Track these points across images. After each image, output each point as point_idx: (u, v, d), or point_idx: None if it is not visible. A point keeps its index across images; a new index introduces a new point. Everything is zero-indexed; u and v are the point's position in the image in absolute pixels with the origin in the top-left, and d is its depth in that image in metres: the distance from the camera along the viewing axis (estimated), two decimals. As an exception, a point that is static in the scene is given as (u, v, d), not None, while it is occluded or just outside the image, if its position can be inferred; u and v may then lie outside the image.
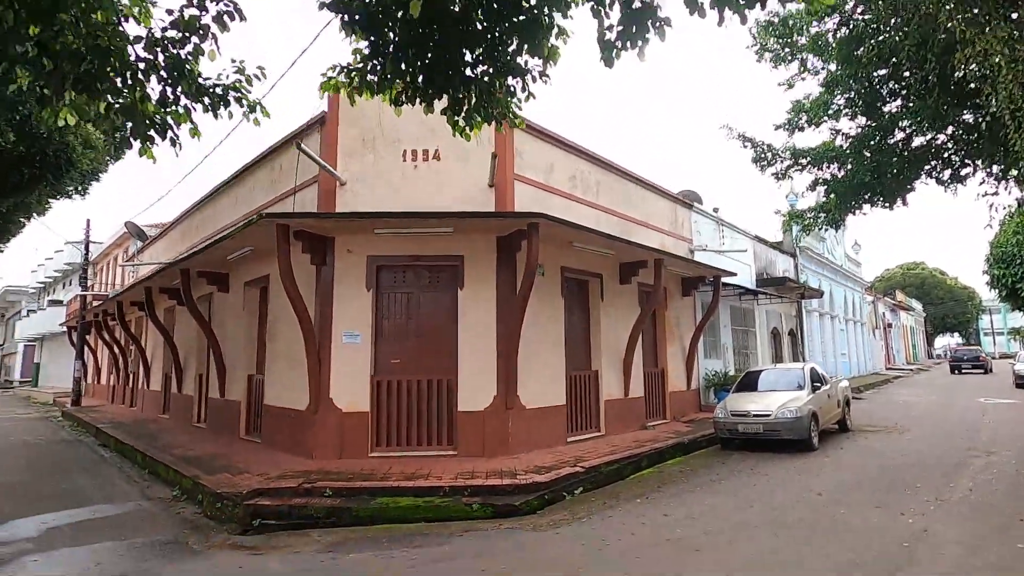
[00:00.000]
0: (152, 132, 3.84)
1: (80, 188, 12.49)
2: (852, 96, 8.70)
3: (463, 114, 3.62)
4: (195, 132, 4.04)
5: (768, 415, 9.34)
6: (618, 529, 5.58)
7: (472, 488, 6.65)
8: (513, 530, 5.73)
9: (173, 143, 3.95)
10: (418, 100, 3.46)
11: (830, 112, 9.34)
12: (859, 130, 9.37)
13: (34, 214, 13.15)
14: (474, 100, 3.50)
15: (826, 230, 12.54)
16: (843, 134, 9.42)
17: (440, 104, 3.64)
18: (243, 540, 5.76)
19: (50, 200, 12.90)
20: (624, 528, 5.60)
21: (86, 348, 22.06)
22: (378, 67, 3.26)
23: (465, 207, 8.65)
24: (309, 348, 8.35)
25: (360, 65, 3.33)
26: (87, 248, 21.40)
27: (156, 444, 10.56)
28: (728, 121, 10.73)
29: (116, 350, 19.86)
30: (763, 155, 9.69)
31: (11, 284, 45.44)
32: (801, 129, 9.59)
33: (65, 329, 26.27)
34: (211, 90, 3.86)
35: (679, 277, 13.50)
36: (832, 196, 9.52)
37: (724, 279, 13.47)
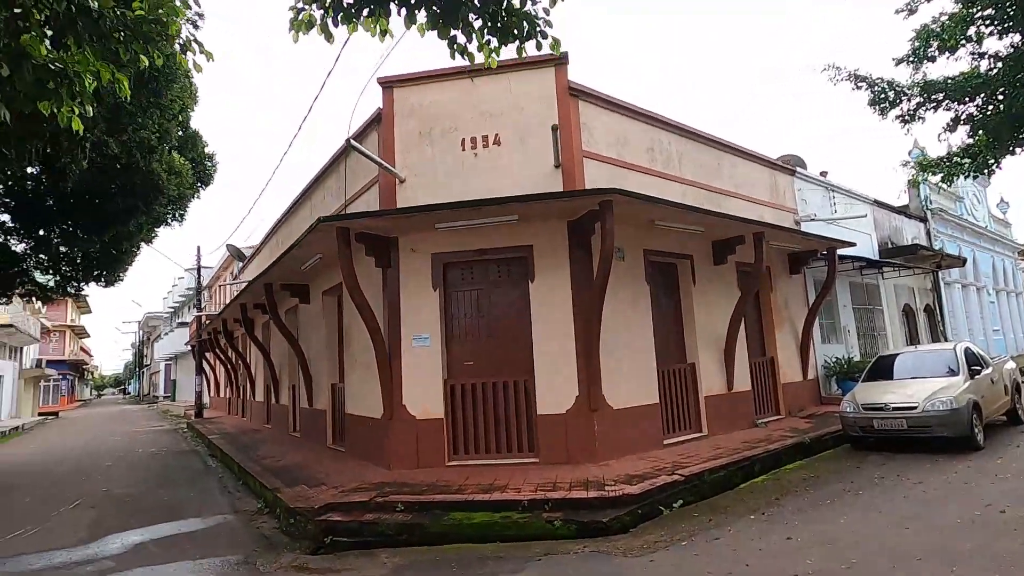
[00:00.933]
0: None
1: (176, 215, 13.25)
2: (1002, 6, 6.91)
3: (473, 36, 2.86)
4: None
5: (913, 408, 7.71)
6: (728, 557, 4.57)
7: (554, 502, 5.89)
8: (599, 554, 4.90)
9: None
10: (415, 24, 2.75)
11: (970, 33, 7.55)
12: (1012, 50, 7.49)
13: (141, 243, 14.15)
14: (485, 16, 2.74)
15: (970, 180, 10.37)
16: (990, 57, 7.59)
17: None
18: (311, 561, 5.41)
19: (154, 229, 13.81)
20: (736, 556, 4.57)
21: (206, 364, 23.95)
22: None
23: (530, 192, 7.92)
24: (379, 354, 8.02)
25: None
26: (199, 273, 23.20)
27: (251, 455, 10.83)
28: (832, 61, 9.14)
29: (228, 365, 21.27)
30: (883, 95, 8.05)
31: (150, 310, 51.19)
32: (931, 59, 7.86)
33: (189, 348, 28.80)
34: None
35: (784, 253, 11.87)
36: (980, 135, 7.69)
37: (840, 251, 11.66)
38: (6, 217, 12.79)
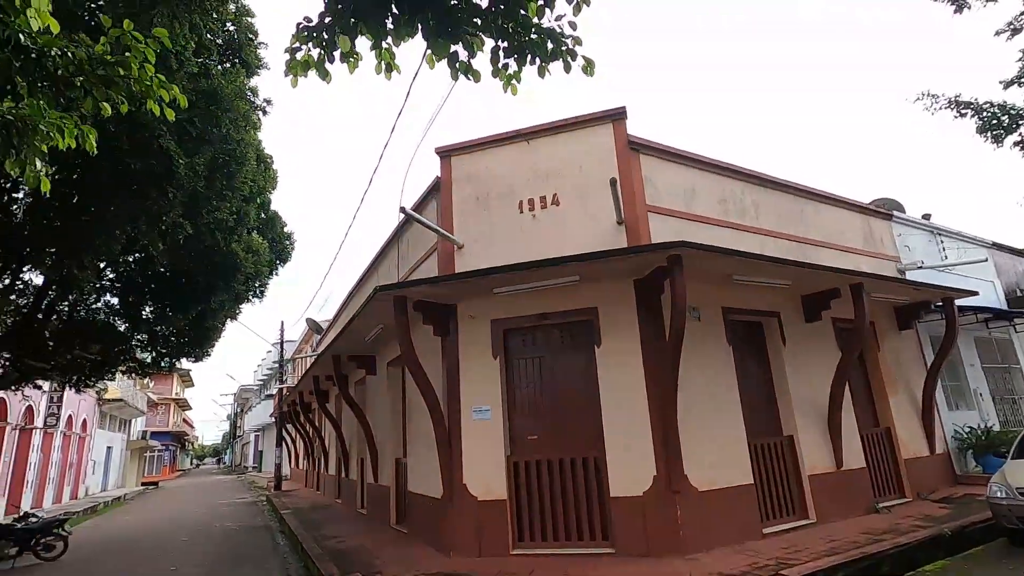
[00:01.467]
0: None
1: (256, 291, 13.90)
2: None
3: (476, 51, 2.51)
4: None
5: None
6: None
7: (631, 608, 4.99)
8: None
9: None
10: (405, 40, 2.43)
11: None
12: None
13: (226, 319, 14.91)
14: (498, 38, 2.40)
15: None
16: None
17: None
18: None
19: (236, 306, 14.53)
20: None
21: (286, 436, 24.51)
22: (347, 6, 2.36)
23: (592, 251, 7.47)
24: (437, 427, 7.58)
25: (327, 19, 2.49)
26: (281, 347, 24.25)
27: (317, 534, 10.48)
28: (928, 88, 8.22)
29: (305, 438, 21.60)
30: (994, 120, 7.06)
31: (244, 383, 54.24)
32: (1048, 78, 6.86)
33: (273, 420, 29.78)
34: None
35: (890, 306, 10.49)
36: None
37: (959, 301, 10.14)
38: (115, 300, 13.98)
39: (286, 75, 2.81)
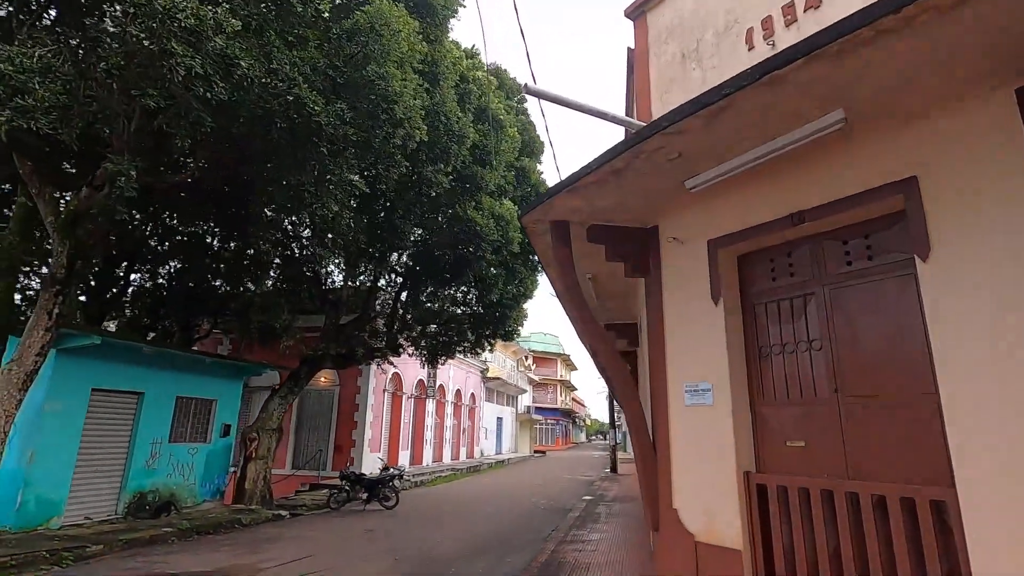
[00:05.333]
0: None
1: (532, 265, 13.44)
2: None
3: None
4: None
5: None
6: None
7: None
8: None
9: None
10: None
11: None
12: None
13: (520, 299, 15.15)
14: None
15: None
16: None
17: None
18: None
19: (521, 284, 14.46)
20: None
21: (617, 416, 23.91)
22: None
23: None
24: (631, 414, 4.93)
25: None
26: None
27: (575, 532, 8.89)
28: None
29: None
30: None
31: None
32: None
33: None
34: None
35: None
36: None
37: None
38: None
39: None
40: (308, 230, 12.03)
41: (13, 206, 8.73)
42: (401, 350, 16.87)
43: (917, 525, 3.31)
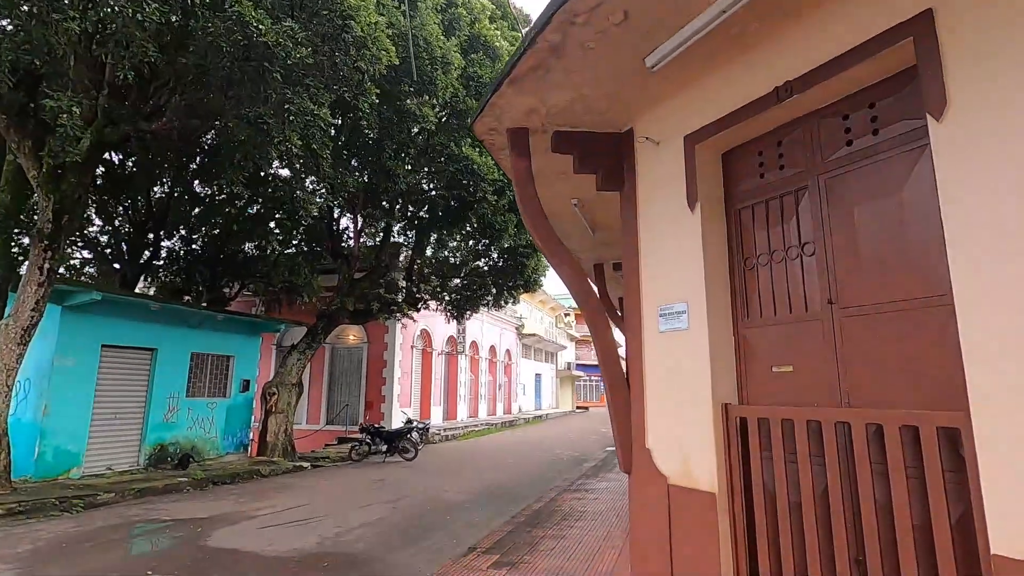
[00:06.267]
0: None
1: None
2: None
3: None
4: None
5: None
6: None
7: None
8: None
9: None
10: None
11: None
12: None
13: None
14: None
15: None
16: None
17: None
18: None
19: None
20: None
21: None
22: None
23: None
24: (601, 349, 4.35)
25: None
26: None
27: (574, 476, 8.48)
28: None
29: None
30: None
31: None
32: None
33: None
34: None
35: None
36: None
37: None
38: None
39: None
40: (311, 184, 11.73)
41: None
42: (422, 304, 16.65)
43: (921, 459, 2.63)
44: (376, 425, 14.30)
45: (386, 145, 8.81)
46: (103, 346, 9.67)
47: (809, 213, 3.37)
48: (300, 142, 6.32)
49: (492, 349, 29.73)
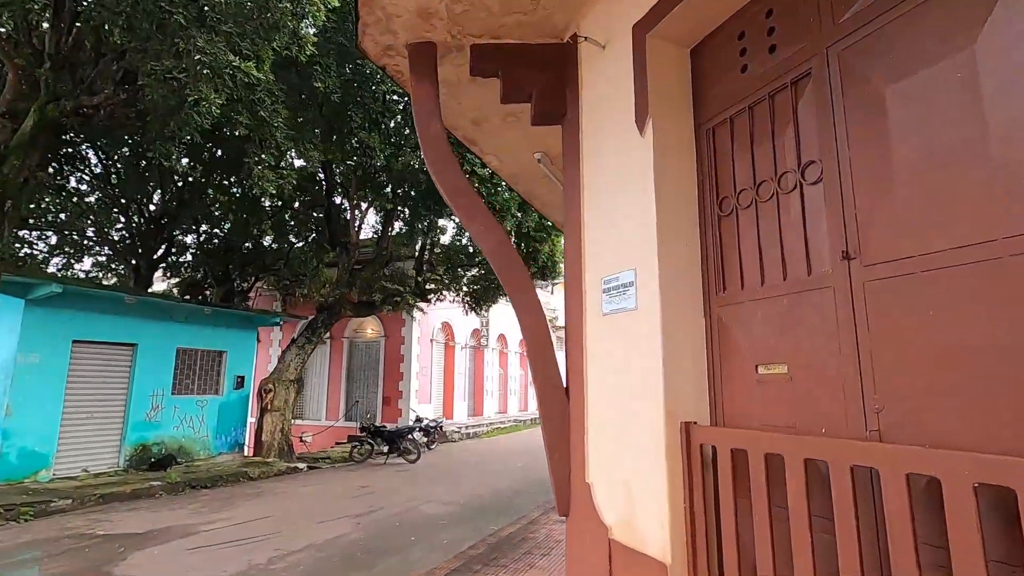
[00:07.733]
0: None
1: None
2: None
3: None
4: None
5: None
6: None
7: None
8: None
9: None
10: None
11: None
12: None
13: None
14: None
15: None
16: None
17: None
18: None
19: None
20: None
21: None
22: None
23: None
24: (528, 334, 3.18)
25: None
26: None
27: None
28: None
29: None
30: None
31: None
32: None
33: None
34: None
35: None
36: None
37: None
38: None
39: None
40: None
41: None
42: (435, 297, 15.74)
43: (1014, 541, 1.34)
44: (377, 424, 13.48)
45: (352, 113, 7.79)
46: (75, 342, 9.16)
47: (813, 114, 2.07)
48: (213, 95, 5.41)
49: (523, 343, 28.64)
